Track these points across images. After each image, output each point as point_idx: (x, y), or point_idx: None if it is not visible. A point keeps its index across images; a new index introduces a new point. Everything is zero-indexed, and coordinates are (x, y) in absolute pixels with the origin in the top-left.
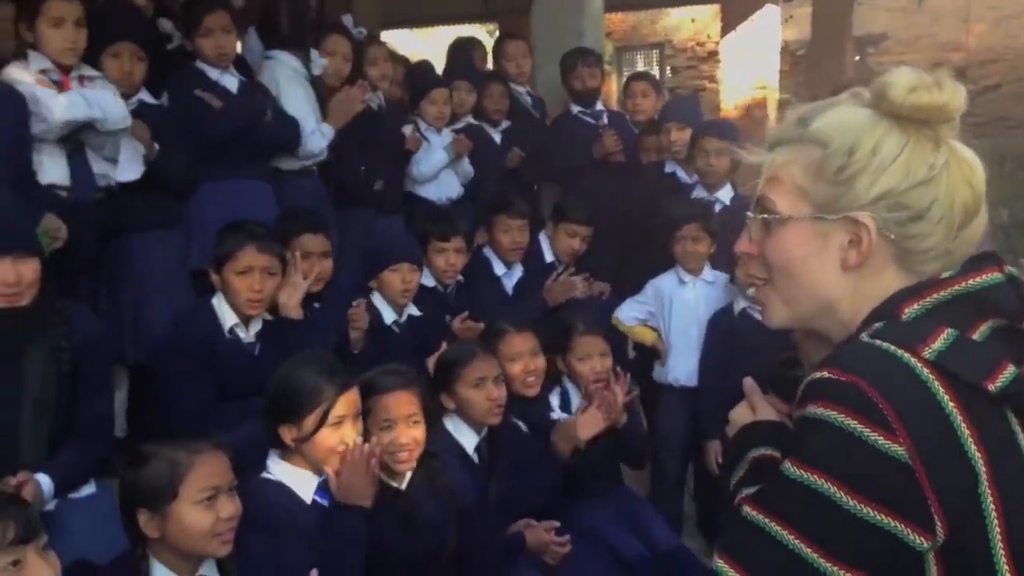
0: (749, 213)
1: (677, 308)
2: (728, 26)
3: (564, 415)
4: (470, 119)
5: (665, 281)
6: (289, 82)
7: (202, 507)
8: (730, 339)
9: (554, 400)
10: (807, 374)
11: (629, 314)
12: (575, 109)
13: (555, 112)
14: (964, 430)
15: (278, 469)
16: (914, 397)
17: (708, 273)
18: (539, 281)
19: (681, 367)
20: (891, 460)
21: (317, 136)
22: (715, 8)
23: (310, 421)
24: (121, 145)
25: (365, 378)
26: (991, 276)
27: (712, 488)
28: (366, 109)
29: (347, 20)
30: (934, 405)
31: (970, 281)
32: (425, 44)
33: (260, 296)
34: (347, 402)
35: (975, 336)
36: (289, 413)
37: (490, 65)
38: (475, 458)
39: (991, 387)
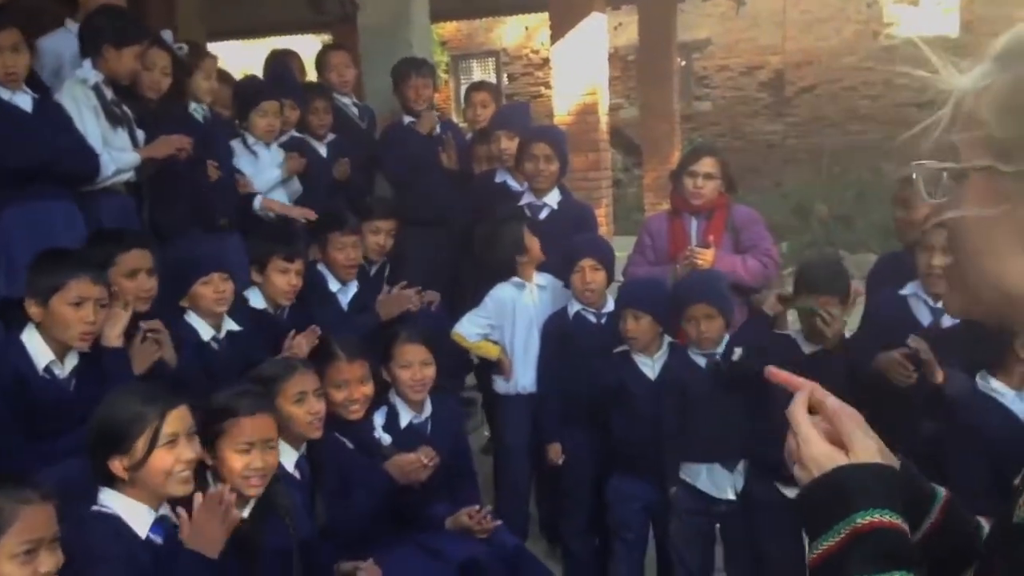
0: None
1: (520, 316)
2: (557, 34)
3: (387, 436)
4: (293, 132)
5: (503, 291)
6: (81, 105)
7: (19, 561)
8: (565, 342)
9: (379, 419)
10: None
11: (471, 330)
12: (407, 119)
13: (385, 122)
14: None
15: (112, 501)
16: None
17: (540, 277)
18: (368, 293)
19: (527, 375)
20: None
21: (106, 158)
22: (546, 16)
23: (140, 445)
24: None
25: (221, 398)
26: None
27: (553, 490)
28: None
29: (167, 35)
30: None
31: None
32: (252, 56)
33: (93, 328)
34: (176, 420)
35: None
36: (117, 443)
37: (312, 76)
38: (296, 475)
39: None
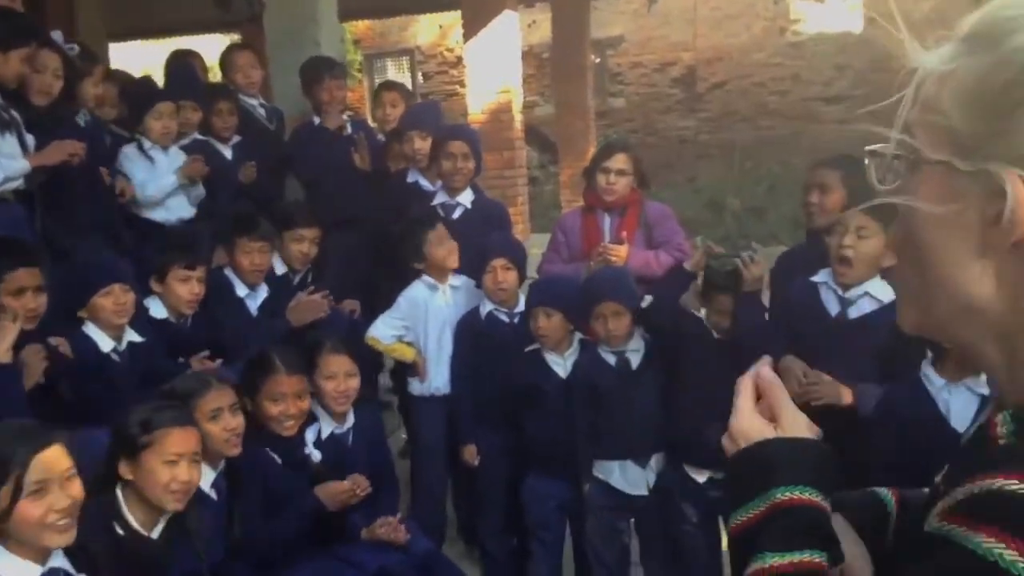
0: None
1: (432, 317)
2: (469, 32)
3: (318, 453)
4: (196, 135)
5: (416, 291)
6: None
7: None
8: (478, 343)
9: (310, 435)
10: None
11: (385, 332)
12: (317, 120)
13: (296, 123)
14: None
15: None
16: None
17: (455, 278)
18: (283, 299)
19: (440, 376)
20: None
21: None
22: (459, 14)
23: (3, 495)
24: None
25: (144, 411)
26: None
27: (470, 492)
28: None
29: (57, 36)
30: None
31: None
32: (157, 57)
33: None
34: (46, 465)
35: None
36: None
37: (217, 77)
38: (213, 494)
39: None
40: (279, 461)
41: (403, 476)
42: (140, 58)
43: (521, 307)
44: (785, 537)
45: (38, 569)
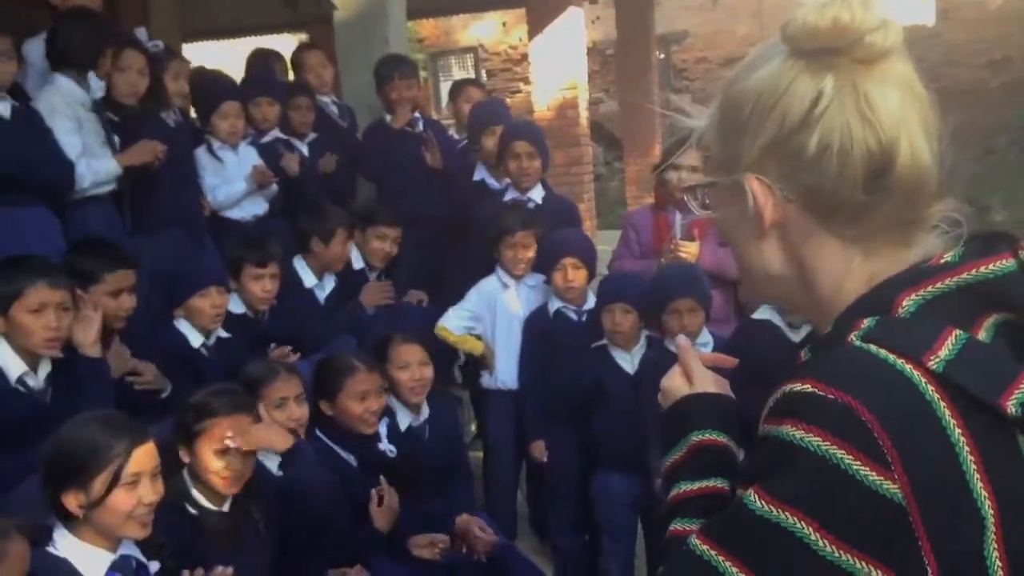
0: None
1: (501, 312)
2: (535, 29)
3: (391, 447)
4: (277, 133)
5: (488, 286)
6: (56, 114)
7: None
8: (546, 340)
9: (382, 429)
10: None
11: (456, 323)
12: (388, 118)
13: (366, 120)
14: (971, 464)
15: (64, 543)
16: (916, 424)
17: (530, 277)
18: (352, 290)
19: (507, 371)
20: (882, 500)
21: (82, 168)
22: (523, 11)
23: (99, 483)
24: None
25: (199, 397)
26: (1004, 263)
27: (542, 487)
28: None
29: (140, 33)
30: (939, 434)
31: (980, 269)
32: (228, 57)
33: (58, 334)
34: (142, 458)
35: (980, 335)
36: (74, 476)
37: (291, 76)
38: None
39: (1009, 407)
40: (354, 464)
41: (474, 468)
42: (211, 58)
43: (589, 305)
44: (697, 469)
45: (109, 556)
